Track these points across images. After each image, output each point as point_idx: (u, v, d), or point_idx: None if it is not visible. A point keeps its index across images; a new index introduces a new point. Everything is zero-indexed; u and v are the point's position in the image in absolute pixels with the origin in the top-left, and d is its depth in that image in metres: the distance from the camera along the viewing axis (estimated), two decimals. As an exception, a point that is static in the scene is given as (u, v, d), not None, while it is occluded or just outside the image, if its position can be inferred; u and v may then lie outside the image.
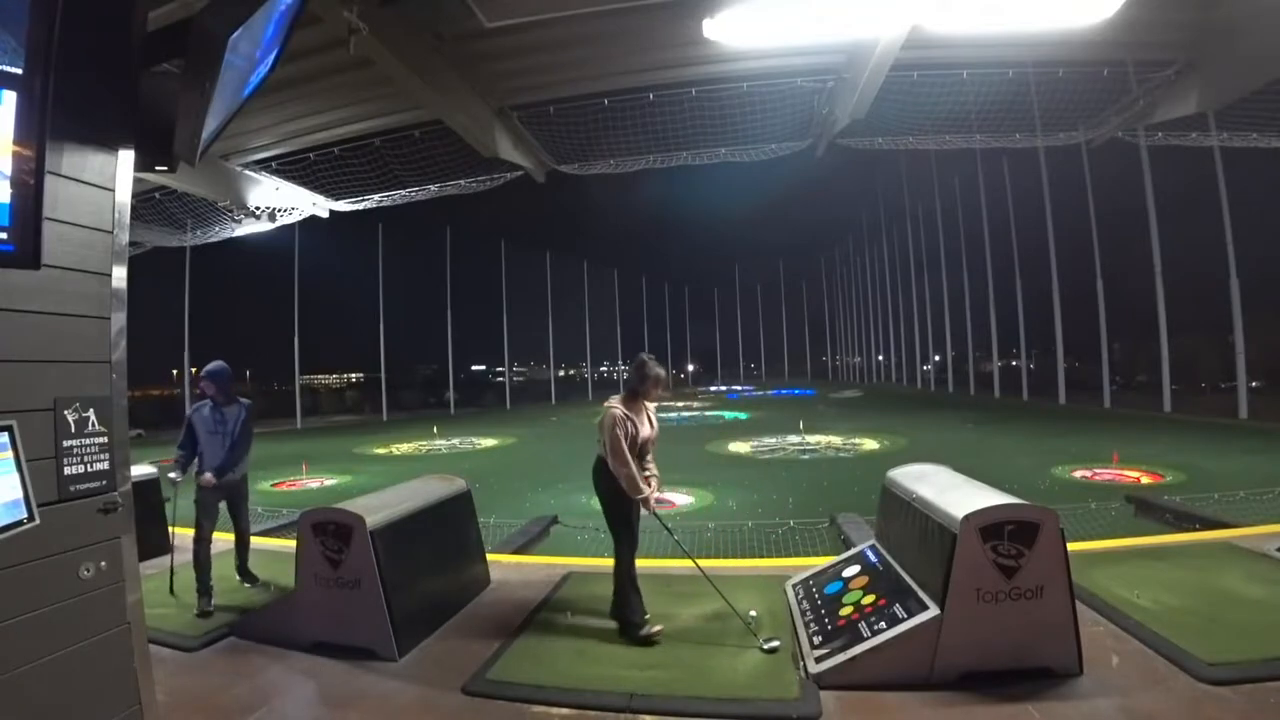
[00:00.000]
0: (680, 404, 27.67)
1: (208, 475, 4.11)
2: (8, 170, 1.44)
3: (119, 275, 1.97)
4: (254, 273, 26.43)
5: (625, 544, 3.39)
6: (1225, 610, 3.18)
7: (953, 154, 17.41)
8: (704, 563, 4.90)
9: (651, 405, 3.52)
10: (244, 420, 4.26)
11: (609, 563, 3.70)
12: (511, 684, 2.83)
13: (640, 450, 3.38)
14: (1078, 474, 8.39)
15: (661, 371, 3.38)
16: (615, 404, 3.33)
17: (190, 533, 4.61)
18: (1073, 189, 19.60)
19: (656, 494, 3.43)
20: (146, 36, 1.96)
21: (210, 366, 4.22)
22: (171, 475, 4.18)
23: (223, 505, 4.39)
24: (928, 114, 10.56)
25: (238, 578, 4.51)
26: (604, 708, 2.63)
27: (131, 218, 2.10)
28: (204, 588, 4.00)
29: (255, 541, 5.19)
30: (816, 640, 2.98)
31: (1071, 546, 2.83)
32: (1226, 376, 16.03)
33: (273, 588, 4.21)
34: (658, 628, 3.25)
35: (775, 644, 3.07)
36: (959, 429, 14.68)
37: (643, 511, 3.45)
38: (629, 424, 3.28)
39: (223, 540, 4.83)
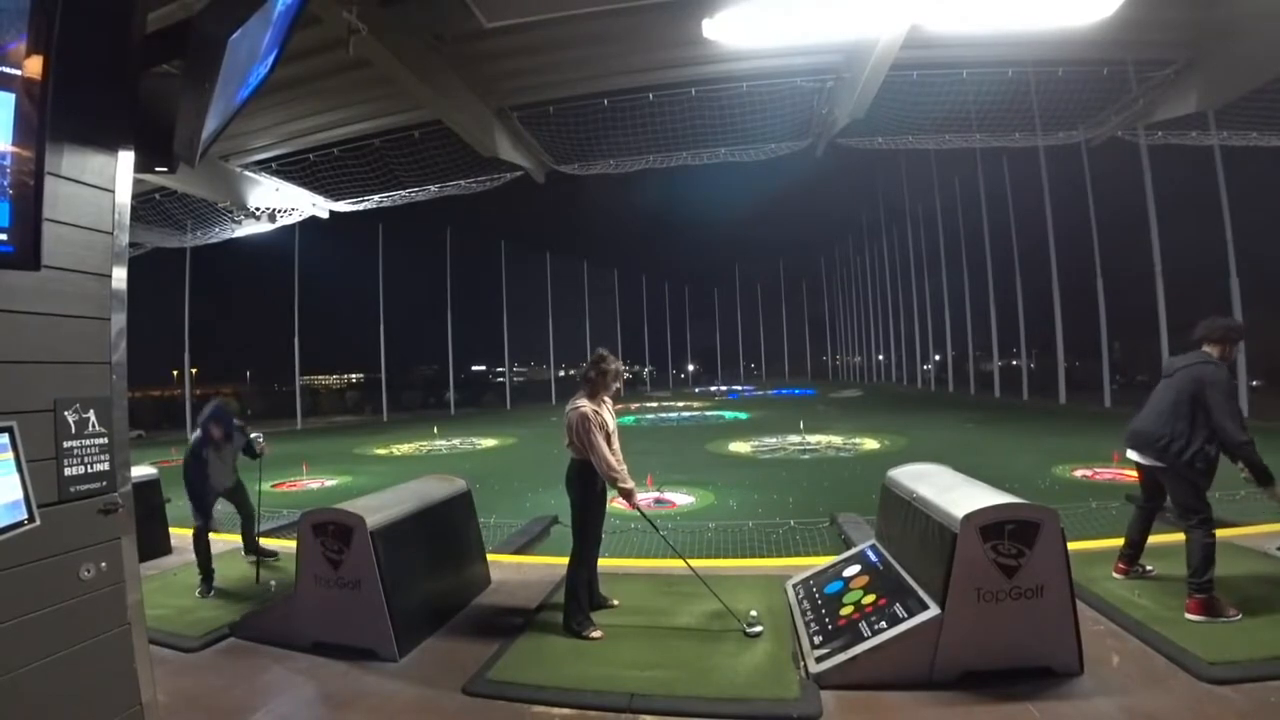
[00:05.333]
0: (681, 404, 27.67)
1: (263, 443, 4.66)
2: (7, 171, 1.44)
3: (119, 276, 1.97)
4: (254, 273, 26.51)
5: (587, 549, 3.43)
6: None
7: (952, 153, 17.40)
8: (705, 562, 4.92)
9: (609, 400, 3.57)
10: (246, 445, 4.66)
11: (607, 562, 3.71)
12: (512, 684, 2.83)
13: (610, 442, 3.42)
14: (1078, 473, 8.38)
15: (620, 366, 3.52)
16: (582, 402, 3.38)
17: (189, 533, 4.66)
18: (1073, 188, 19.59)
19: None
20: (146, 37, 1.95)
21: (209, 411, 4.44)
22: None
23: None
24: (927, 113, 10.57)
25: (248, 556, 4.63)
26: (604, 708, 2.63)
27: (131, 219, 2.10)
28: (206, 573, 4.28)
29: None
30: (817, 640, 2.98)
31: (1072, 545, 2.83)
32: (1226, 375, 15.97)
33: (274, 588, 4.21)
34: (598, 633, 3.28)
35: (758, 629, 3.12)
36: (959, 428, 14.67)
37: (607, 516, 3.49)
38: (599, 417, 3.35)
39: (225, 541, 4.85)
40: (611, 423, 3.47)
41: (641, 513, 3.59)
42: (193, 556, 4.60)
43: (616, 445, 3.50)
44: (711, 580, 3.60)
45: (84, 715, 1.78)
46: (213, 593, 4.19)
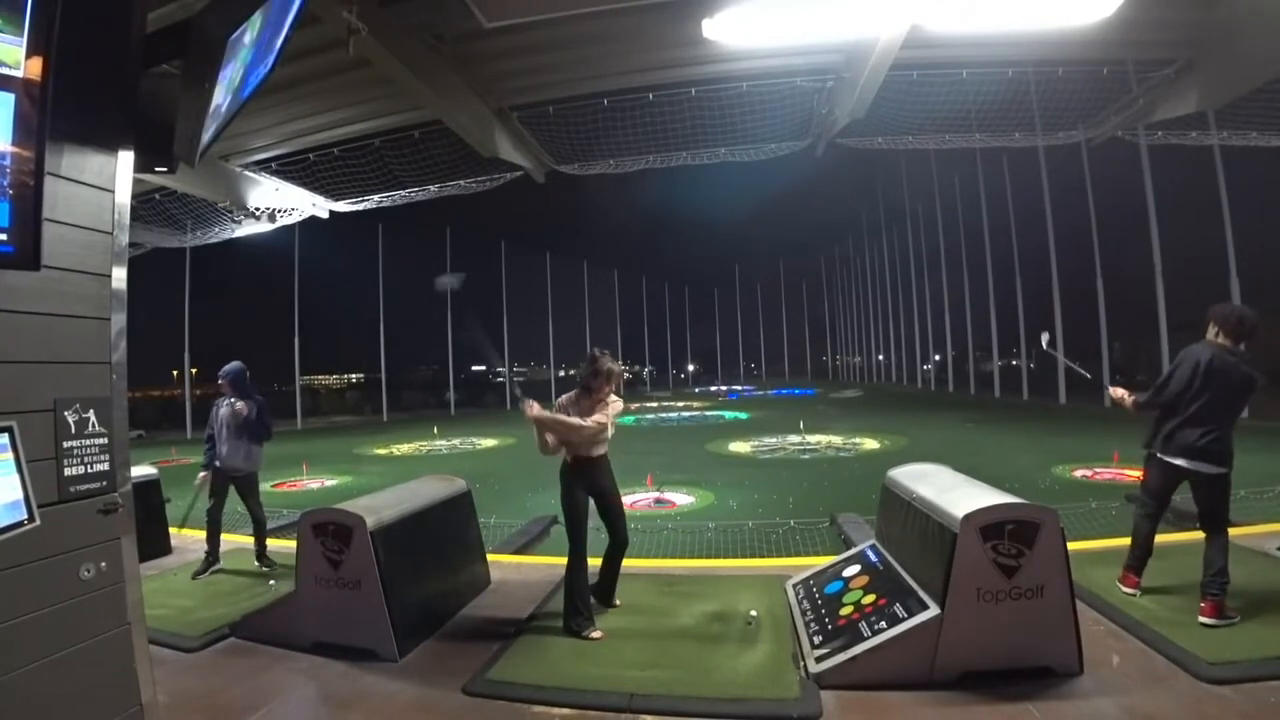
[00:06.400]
0: (680, 404, 27.67)
1: (201, 474, 4.64)
2: (7, 171, 1.44)
3: (119, 276, 1.97)
4: (254, 273, 26.51)
5: (575, 549, 3.43)
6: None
7: (953, 153, 17.42)
8: (705, 562, 4.93)
9: (615, 401, 3.44)
10: (257, 414, 4.66)
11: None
12: (512, 684, 2.83)
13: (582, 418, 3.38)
14: (1078, 473, 8.37)
15: (614, 367, 3.43)
16: (560, 398, 3.50)
17: (189, 533, 4.67)
18: (1073, 188, 19.58)
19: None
20: (146, 37, 1.95)
21: (226, 367, 4.69)
22: (200, 476, 4.64)
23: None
24: (927, 113, 10.57)
25: (256, 563, 4.70)
26: (604, 708, 2.63)
27: (131, 219, 2.10)
28: (209, 554, 4.53)
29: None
30: (817, 640, 2.98)
31: (1072, 545, 2.83)
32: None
33: (274, 585, 4.21)
34: (597, 633, 3.27)
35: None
36: (959, 428, 14.67)
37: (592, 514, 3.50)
38: (562, 408, 3.44)
39: (232, 541, 4.86)
40: (600, 415, 3.34)
41: (534, 420, 3.31)
42: (193, 557, 4.63)
43: (596, 418, 3.32)
44: (711, 580, 3.60)
45: (84, 715, 1.78)
46: (205, 575, 4.39)
